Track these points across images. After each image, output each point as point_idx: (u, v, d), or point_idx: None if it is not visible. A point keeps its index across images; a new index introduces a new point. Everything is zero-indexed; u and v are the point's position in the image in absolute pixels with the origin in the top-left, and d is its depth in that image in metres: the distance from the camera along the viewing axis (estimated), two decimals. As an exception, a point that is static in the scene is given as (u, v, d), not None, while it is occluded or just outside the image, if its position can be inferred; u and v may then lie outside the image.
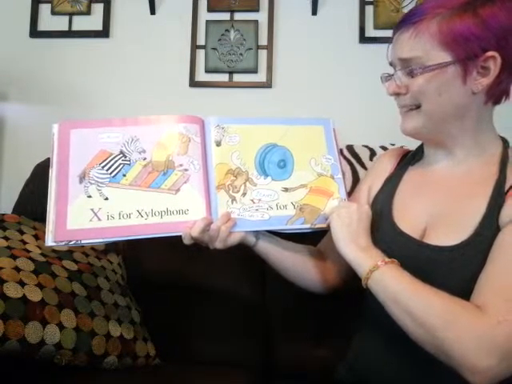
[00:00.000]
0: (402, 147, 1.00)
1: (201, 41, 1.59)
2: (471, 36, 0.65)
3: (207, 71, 1.58)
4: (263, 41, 1.57)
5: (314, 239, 0.92)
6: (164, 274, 1.19)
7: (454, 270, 0.67)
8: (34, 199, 1.23)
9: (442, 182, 0.76)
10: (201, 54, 1.59)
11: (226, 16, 1.59)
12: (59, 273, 0.93)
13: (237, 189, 0.80)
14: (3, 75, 1.61)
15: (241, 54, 1.56)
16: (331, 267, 0.88)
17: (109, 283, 1.02)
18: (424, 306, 0.62)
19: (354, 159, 1.24)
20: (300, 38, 1.57)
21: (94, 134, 0.78)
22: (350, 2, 1.56)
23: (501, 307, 0.59)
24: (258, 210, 0.79)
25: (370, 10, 1.54)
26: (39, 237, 1.02)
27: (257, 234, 0.82)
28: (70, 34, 1.62)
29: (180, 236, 0.76)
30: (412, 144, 0.87)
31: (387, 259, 0.68)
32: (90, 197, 0.75)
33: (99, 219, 0.74)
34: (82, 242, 0.73)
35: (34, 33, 1.63)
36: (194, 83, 1.58)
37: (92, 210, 0.74)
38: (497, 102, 0.72)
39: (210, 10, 1.59)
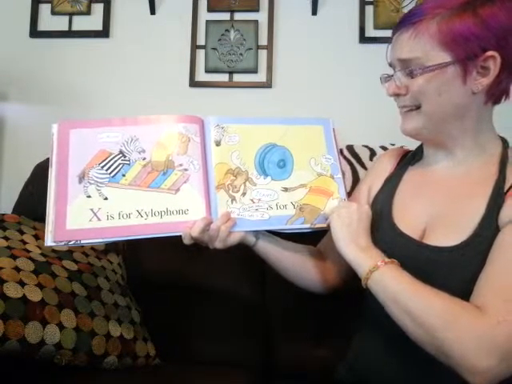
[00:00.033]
0: (401, 147, 1.00)
1: (201, 41, 1.59)
2: (471, 36, 0.65)
3: (207, 71, 1.58)
4: (263, 41, 1.57)
5: (314, 239, 0.92)
6: (164, 274, 1.19)
7: (453, 271, 0.67)
8: (33, 199, 1.23)
9: (442, 182, 0.76)
10: (201, 54, 1.59)
11: (225, 16, 1.59)
12: (59, 273, 0.93)
13: (236, 188, 0.80)
14: (3, 75, 1.61)
15: (241, 54, 1.56)
16: (331, 267, 0.87)
17: (109, 283, 1.02)
18: (424, 307, 0.61)
19: (354, 159, 1.24)
20: (300, 38, 1.57)
21: (93, 134, 0.78)
22: (350, 2, 1.56)
23: (500, 308, 0.59)
24: (257, 209, 0.79)
25: (370, 10, 1.54)
26: (39, 237, 1.02)
27: (257, 233, 0.82)
28: (69, 33, 1.62)
29: (180, 236, 0.76)
30: (412, 144, 0.87)
31: (387, 259, 0.68)
32: (89, 197, 0.75)
33: (99, 219, 0.74)
34: (82, 242, 0.73)
35: (34, 33, 1.63)
36: (194, 83, 1.58)
37: (91, 209, 0.74)
38: (497, 101, 0.72)
39: (210, 10, 1.59)
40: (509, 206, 0.65)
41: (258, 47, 1.56)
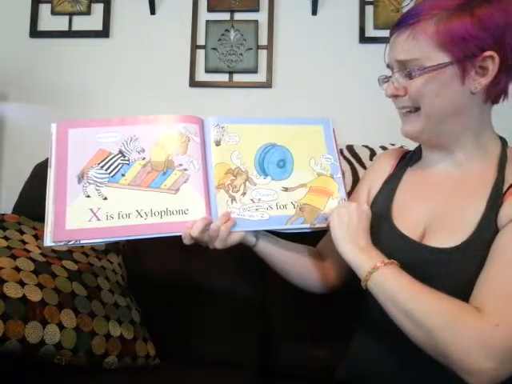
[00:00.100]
0: (401, 147, 1.00)
1: (201, 41, 1.59)
2: (469, 36, 0.65)
3: (207, 71, 1.58)
4: (263, 41, 1.57)
5: (314, 239, 0.92)
6: (164, 274, 1.19)
7: (453, 272, 0.67)
8: (33, 199, 1.23)
9: (441, 183, 0.76)
10: (201, 54, 1.59)
11: (225, 16, 1.59)
12: (59, 273, 0.93)
13: (236, 188, 0.80)
14: (3, 75, 1.61)
15: (241, 54, 1.56)
16: (331, 267, 0.87)
17: (109, 283, 1.02)
18: (423, 308, 0.61)
19: (353, 159, 1.24)
20: (300, 38, 1.57)
21: (92, 134, 0.78)
22: (350, 2, 1.56)
23: (500, 309, 0.58)
24: (257, 209, 0.79)
25: (369, 9, 1.54)
26: (39, 237, 1.02)
27: (256, 233, 0.82)
28: (69, 33, 1.62)
29: (180, 236, 0.76)
30: (412, 144, 0.86)
31: (386, 260, 0.68)
32: (88, 197, 0.75)
33: (98, 219, 0.74)
34: (81, 242, 0.73)
35: (34, 33, 1.63)
36: (194, 83, 1.58)
37: (91, 209, 0.74)
38: (495, 101, 0.72)
39: (210, 10, 1.59)
40: (507, 207, 0.65)
41: (258, 47, 1.57)
